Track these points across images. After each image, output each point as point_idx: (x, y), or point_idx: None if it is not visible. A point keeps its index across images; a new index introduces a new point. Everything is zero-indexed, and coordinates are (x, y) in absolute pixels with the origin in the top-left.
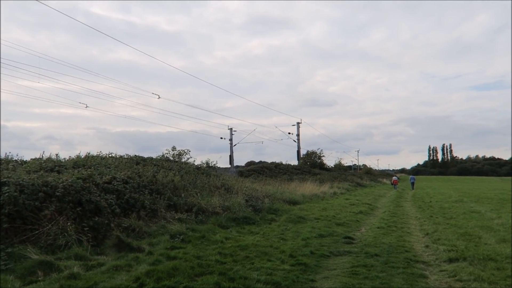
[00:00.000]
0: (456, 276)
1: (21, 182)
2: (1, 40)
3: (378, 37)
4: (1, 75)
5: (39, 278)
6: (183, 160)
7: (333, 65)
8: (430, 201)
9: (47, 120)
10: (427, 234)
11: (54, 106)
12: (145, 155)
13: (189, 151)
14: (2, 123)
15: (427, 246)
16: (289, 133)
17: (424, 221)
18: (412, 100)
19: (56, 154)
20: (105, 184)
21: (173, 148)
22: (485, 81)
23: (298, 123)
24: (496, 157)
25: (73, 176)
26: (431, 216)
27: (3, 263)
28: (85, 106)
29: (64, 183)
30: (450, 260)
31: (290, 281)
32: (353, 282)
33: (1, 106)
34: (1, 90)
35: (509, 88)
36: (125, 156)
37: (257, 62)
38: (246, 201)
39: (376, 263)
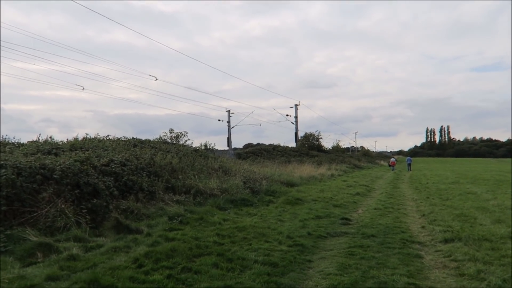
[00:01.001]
0: (451, 256)
1: (18, 164)
2: None
3: (377, 17)
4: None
5: (39, 260)
6: (181, 142)
7: (332, 46)
8: (427, 183)
9: (44, 103)
10: (423, 215)
11: (50, 88)
12: (143, 138)
13: (187, 133)
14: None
15: (423, 227)
16: (287, 115)
17: (421, 202)
18: (411, 82)
19: (50, 136)
20: (103, 167)
21: (171, 131)
22: (485, 62)
23: (296, 105)
24: (493, 138)
25: (71, 159)
26: (428, 198)
27: (2, 245)
28: (82, 88)
29: (61, 166)
30: (446, 241)
31: (287, 262)
32: (349, 263)
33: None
34: (1, 73)
35: (509, 69)
36: (123, 139)
37: (256, 43)
38: (244, 183)
39: (372, 243)
